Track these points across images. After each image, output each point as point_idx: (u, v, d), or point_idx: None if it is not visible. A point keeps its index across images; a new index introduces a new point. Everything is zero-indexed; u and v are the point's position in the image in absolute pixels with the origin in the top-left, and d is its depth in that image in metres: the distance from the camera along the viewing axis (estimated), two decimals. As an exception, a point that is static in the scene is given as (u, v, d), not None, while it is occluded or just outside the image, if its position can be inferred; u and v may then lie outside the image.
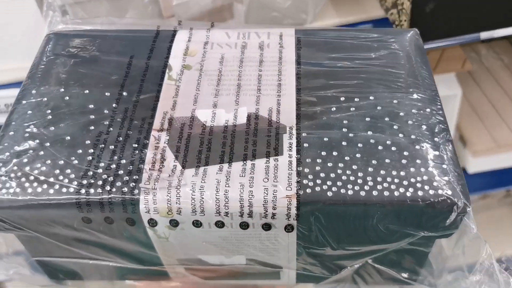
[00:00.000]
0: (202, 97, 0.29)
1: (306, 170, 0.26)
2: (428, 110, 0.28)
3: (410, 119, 0.28)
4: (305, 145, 0.27)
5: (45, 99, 0.30)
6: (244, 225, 0.26)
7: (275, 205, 0.25)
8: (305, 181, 0.26)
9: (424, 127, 0.28)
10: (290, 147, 0.27)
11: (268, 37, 0.33)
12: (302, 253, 0.28)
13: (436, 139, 0.27)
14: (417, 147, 0.27)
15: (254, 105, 0.29)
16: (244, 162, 0.26)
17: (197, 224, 0.26)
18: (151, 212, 0.26)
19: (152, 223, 0.26)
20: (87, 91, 0.30)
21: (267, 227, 0.26)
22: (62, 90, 0.30)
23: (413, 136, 0.27)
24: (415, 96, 0.29)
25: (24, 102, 0.30)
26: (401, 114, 0.28)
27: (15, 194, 0.26)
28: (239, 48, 0.32)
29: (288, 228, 0.26)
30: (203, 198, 0.25)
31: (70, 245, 0.28)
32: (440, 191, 0.25)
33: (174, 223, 0.26)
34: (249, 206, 0.25)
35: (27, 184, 0.26)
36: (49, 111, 0.29)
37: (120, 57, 0.32)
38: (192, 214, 0.26)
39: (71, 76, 0.31)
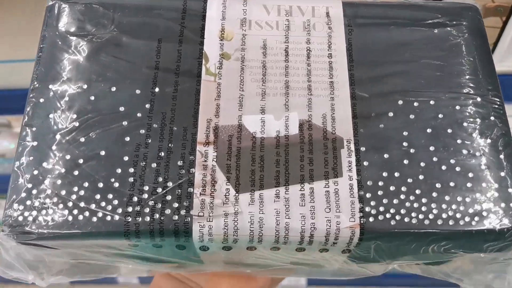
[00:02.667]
0: (248, 99, 0.26)
1: (368, 195, 0.25)
2: (492, 118, 0.26)
3: (474, 131, 0.26)
4: (365, 163, 0.25)
5: (67, 98, 0.26)
6: (300, 249, 0.25)
7: (338, 235, 0.24)
8: (367, 209, 0.24)
9: (488, 141, 0.26)
10: (349, 166, 0.25)
11: (313, 14, 0.29)
12: (350, 262, 0.28)
13: (501, 156, 0.26)
14: (483, 167, 0.25)
15: (306, 110, 0.26)
16: (302, 185, 0.25)
17: (251, 248, 0.25)
18: (205, 241, 0.24)
19: (204, 248, 0.25)
20: (114, 89, 0.26)
21: (324, 250, 0.25)
22: (86, 87, 0.26)
23: (477, 153, 0.26)
24: (478, 100, 0.27)
25: (42, 100, 0.26)
26: (465, 124, 0.26)
27: (54, 225, 0.23)
28: (282, 29, 0.28)
29: (345, 251, 0.25)
30: (262, 230, 0.24)
31: (112, 257, 0.27)
32: (505, 220, 0.24)
33: (227, 248, 0.25)
34: (309, 237, 0.24)
35: (66, 212, 0.24)
36: (74, 115, 0.26)
37: (146, 40, 0.27)
38: (249, 243, 0.24)
39: (92, 67, 0.27)
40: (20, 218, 0.24)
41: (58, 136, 0.25)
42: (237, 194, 0.24)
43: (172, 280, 0.35)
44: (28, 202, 0.24)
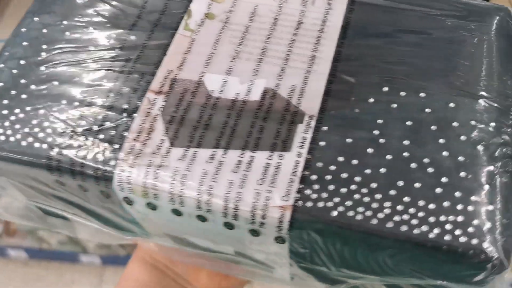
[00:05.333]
0: (218, 58, 0.24)
1: (314, 177, 0.21)
2: (493, 125, 0.22)
3: (464, 134, 0.22)
4: (322, 143, 0.22)
5: (45, 30, 0.26)
6: (229, 225, 0.22)
7: (265, 214, 0.21)
8: (307, 191, 0.21)
9: (480, 148, 0.21)
10: (302, 143, 0.22)
11: (316, -10, 0.26)
12: (295, 265, 0.24)
13: (492, 167, 0.21)
14: (462, 173, 0.21)
15: (275, 79, 0.24)
16: (243, 152, 0.22)
17: (176, 212, 0.22)
18: (125, 190, 0.22)
19: (128, 201, 0.23)
20: (91, 29, 0.26)
21: (254, 233, 0.22)
22: (65, 23, 0.26)
23: (461, 158, 0.21)
24: (481, 103, 0.22)
25: (23, 30, 0.26)
26: (454, 124, 0.22)
27: (-14, 142, 0.23)
28: (279, 0, 0.26)
29: (279, 240, 0.22)
30: (183, 189, 0.21)
31: (50, 199, 0.26)
32: (474, 241, 0.19)
33: (151, 206, 0.23)
34: (234, 209, 0.21)
35: (1, 130, 0.23)
36: (44, 46, 0.25)
37: (137, -10, 0.27)
38: (170, 203, 0.22)
39: (78, 9, 0.26)
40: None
41: (22, 61, 0.25)
42: (170, 148, 0.22)
43: (149, 269, 0.32)
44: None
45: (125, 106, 0.23)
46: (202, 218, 0.22)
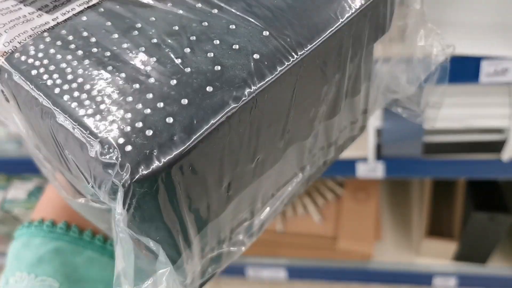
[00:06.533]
0: None
1: (45, 34, 0.20)
2: (256, 56, 0.18)
3: (215, 53, 0.18)
4: (83, 18, 0.20)
5: None
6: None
7: (-13, 54, 0.20)
8: (31, 47, 0.19)
9: (219, 68, 0.18)
10: (68, 12, 0.20)
11: None
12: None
13: (216, 88, 0.17)
14: (173, 81, 0.17)
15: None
16: (18, 4, 0.21)
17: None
18: None
19: None
20: None
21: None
22: None
23: (188, 69, 0.18)
24: (264, 34, 0.19)
25: None
26: (215, 42, 0.19)
27: None
28: None
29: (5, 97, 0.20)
30: None
31: None
32: (120, 140, 0.16)
33: None
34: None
35: None
36: None
37: None
38: None
39: None
40: None
41: None
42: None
43: None
44: None
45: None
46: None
